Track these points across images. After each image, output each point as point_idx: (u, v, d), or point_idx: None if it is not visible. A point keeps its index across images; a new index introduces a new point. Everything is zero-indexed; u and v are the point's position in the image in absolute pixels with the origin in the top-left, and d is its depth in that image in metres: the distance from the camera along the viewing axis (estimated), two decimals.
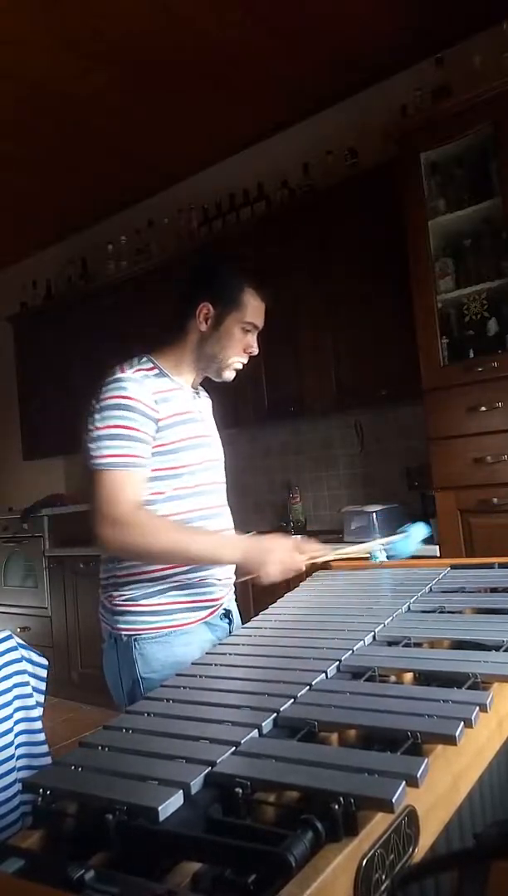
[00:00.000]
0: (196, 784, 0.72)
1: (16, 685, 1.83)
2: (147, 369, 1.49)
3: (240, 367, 1.59)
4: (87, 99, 3.36)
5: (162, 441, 1.46)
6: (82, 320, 4.53)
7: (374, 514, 3.05)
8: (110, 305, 4.35)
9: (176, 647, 1.44)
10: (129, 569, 1.46)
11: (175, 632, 1.45)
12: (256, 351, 1.58)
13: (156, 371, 1.50)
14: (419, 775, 0.68)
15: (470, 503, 2.63)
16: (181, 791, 0.70)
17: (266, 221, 3.64)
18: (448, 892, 0.78)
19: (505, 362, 2.57)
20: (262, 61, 3.20)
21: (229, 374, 1.59)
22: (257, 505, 3.94)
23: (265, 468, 3.98)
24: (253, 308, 1.54)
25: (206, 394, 1.70)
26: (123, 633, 1.46)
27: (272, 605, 1.52)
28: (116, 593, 1.48)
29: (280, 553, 1.43)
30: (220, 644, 1.30)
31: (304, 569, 1.46)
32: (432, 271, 2.76)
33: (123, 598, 1.47)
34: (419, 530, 1.68)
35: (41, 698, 1.89)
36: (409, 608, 1.34)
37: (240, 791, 0.70)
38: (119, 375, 1.46)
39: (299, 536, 1.64)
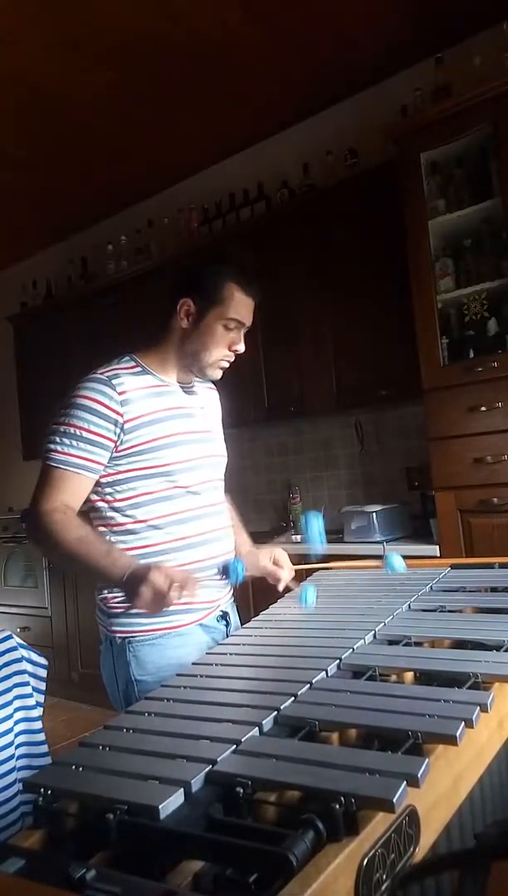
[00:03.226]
0: (197, 783, 0.72)
1: (16, 685, 1.83)
2: (126, 367, 1.48)
3: (226, 365, 1.54)
4: (87, 99, 3.36)
5: (137, 441, 1.43)
6: (82, 320, 4.53)
7: (374, 514, 3.05)
8: (110, 305, 4.34)
9: (169, 650, 1.43)
10: None
11: (169, 633, 1.44)
12: (242, 349, 1.51)
13: (138, 369, 1.49)
14: (419, 775, 0.68)
15: (470, 503, 2.63)
16: (182, 790, 0.70)
17: (266, 221, 3.64)
18: (449, 892, 0.78)
19: (505, 362, 2.57)
20: (262, 61, 3.20)
21: (214, 373, 1.54)
22: (257, 505, 3.94)
23: (265, 468, 3.98)
24: (237, 303, 1.48)
25: (211, 387, 1.67)
26: (118, 635, 1.45)
27: (273, 605, 1.52)
28: (110, 595, 1.47)
29: (153, 587, 1.26)
30: (220, 644, 1.30)
31: (172, 603, 1.31)
32: (432, 271, 2.76)
33: (117, 599, 1.45)
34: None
35: (41, 698, 1.89)
36: (409, 607, 1.34)
37: (241, 790, 0.70)
38: (89, 376, 1.46)
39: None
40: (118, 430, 1.42)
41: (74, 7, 2.73)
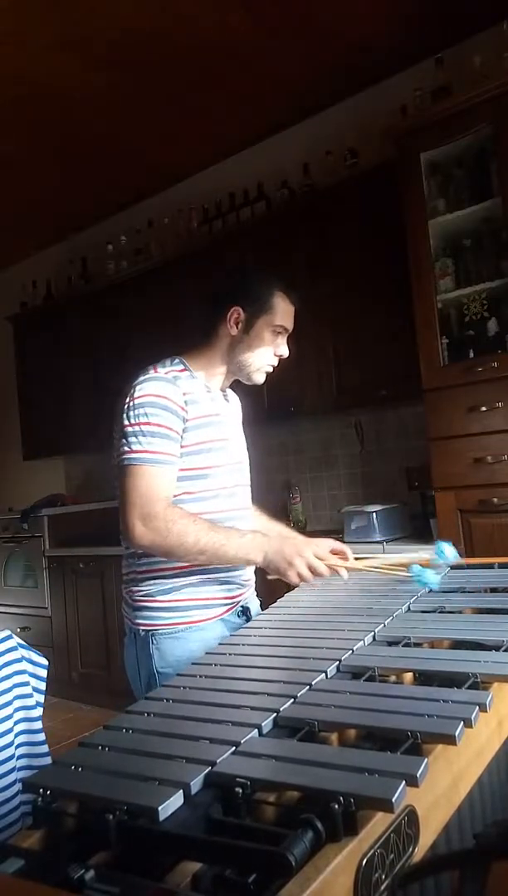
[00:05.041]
0: (196, 784, 0.72)
1: (16, 685, 1.82)
2: (179, 370, 1.53)
3: (270, 370, 1.62)
4: (87, 99, 3.36)
5: (188, 441, 1.48)
6: (82, 320, 4.53)
7: (374, 514, 3.05)
8: (110, 305, 4.35)
9: (191, 643, 1.47)
10: (148, 565, 1.49)
11: (190, 628, 1.48)
12: (286, 354, 1.61)
13: (187, 373, 1.53)
14: (418, 775, 0.68)
15: (470, 503, 2.63)
16: (181, 791, 0.70)
17: (266, 221, 3.64)
18: (448, 892, 0.78)
19: (505, 362, 2.57)
20: (262, 61, 3.20)
21: (259, 377, 1.62)
22: (257, 505, 3.93)
23: (265, 468, 3.98)
24: (283, 311, 1.58)
25: (235, 396, 1.73)
26: (141, 627, 1.50)
27: (273, 605, 1.53)
28: (135, 588, 1.52)
29: (299, 558, 1.39)
30: (220, 644, 1.31)
31: (326, 574, 1.42)
32: (432, 271, 2.76)
33: (142, 593, 1.50)
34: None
35: (41, 698, 1.89)
36: (409, 608, 1.34)
37: (240, 791, 0.70)
38: (152, 375, 1.49)
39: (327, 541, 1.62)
40: (183, 427, 1.47)
41: (73, 7, 2.73)
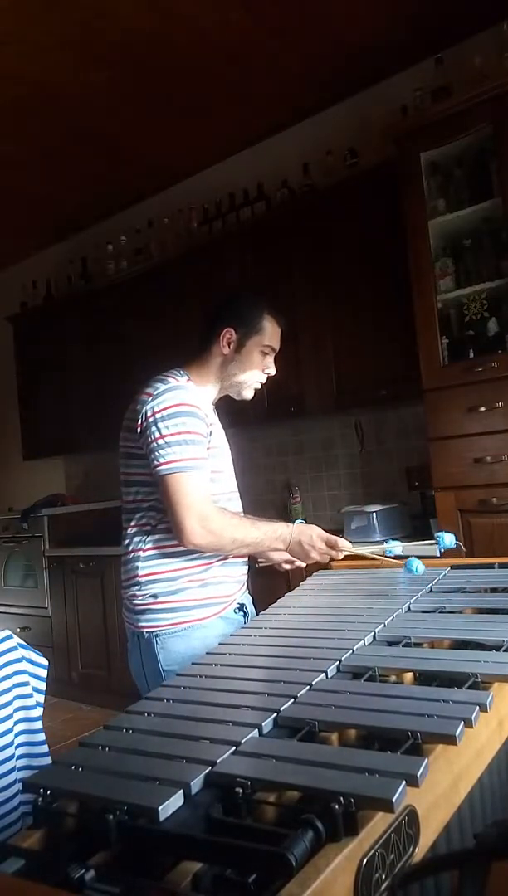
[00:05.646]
0: (196, 784, 0.72)
1: (16, 685, 1.82)
2: (186, 381, 1.59)
3: (259, 387, 1.70)
4: (87, 99, 3.36)
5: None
6: (82, 320, 4.53)
7: (374, 514, 3.05)
8: (110, 305, 4.35)
9: (194, 641, 1.51)
10: (148, 569, 1.54)
11: (193, 626, 1.53)
12: (273, 372, 1.70)
13: (192, 383, 1.60)
14: (419, 775, 0.68)
15: (470, 503, 2.63)
16: (181, 791, 0.70)
17: (266, 221, 3.63)
18: (448, 892, 0.78)
19: (505, 362, 2.57)
20: (262, 61, 3.20)
21: (248, 394, 1.71)
22: (257, 505, 3.93)
23: (265, 468, 3.98)
24: (271, 333, 1.67)
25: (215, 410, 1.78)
26: (145, 630, 1.54)
27: (273, 605, 1.54)
28: (138, 592, 1.55)
29: (314, 551, 1.60)
30: (220, 644, 1.31)
31: (339, 557, 1.64)
32: (432, 271, 2.76)
33: (144, 596, 1.54)
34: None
35: (41, 698, 1.89)
36: (409, 608, 1.34)
37: (240, 791, 0.70)
38: (173, 384, 1.55)
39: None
40: (206, 432, 1.55)
41: (73, 7, 2.73)
